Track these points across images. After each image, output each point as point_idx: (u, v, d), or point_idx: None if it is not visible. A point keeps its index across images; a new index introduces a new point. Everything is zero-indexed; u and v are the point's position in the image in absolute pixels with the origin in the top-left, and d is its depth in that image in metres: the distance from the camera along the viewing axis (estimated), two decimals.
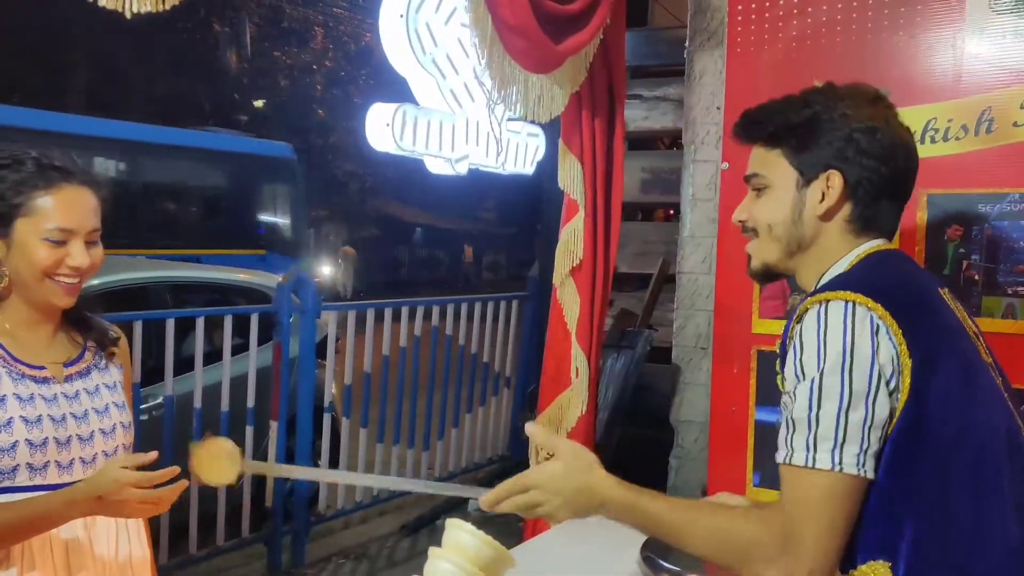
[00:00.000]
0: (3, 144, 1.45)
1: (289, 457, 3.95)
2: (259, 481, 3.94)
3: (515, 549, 1.88)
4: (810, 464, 1.11)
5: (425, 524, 4.54)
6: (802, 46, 2.71)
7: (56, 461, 1.45)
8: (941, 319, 1.21)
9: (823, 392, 1.11)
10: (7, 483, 1.40)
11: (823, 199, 1.26)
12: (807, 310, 1.16)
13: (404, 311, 4.60)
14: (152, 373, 3.57)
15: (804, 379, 1.13)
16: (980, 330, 1.32)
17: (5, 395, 1.41)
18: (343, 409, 4.26)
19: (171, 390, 3.48)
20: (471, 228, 24.12)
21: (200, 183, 11.67)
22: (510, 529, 4.36)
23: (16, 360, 1.45)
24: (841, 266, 1.27)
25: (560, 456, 1.24)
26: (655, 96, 3.65)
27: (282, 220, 12.48)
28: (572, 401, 2.55)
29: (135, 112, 12.89)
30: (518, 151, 3.44)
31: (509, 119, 3.14)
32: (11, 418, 1.41)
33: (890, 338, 1.12)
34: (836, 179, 1.25)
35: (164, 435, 3.43)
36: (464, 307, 4.79)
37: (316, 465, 4.23)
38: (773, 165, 1.30)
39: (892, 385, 1.12)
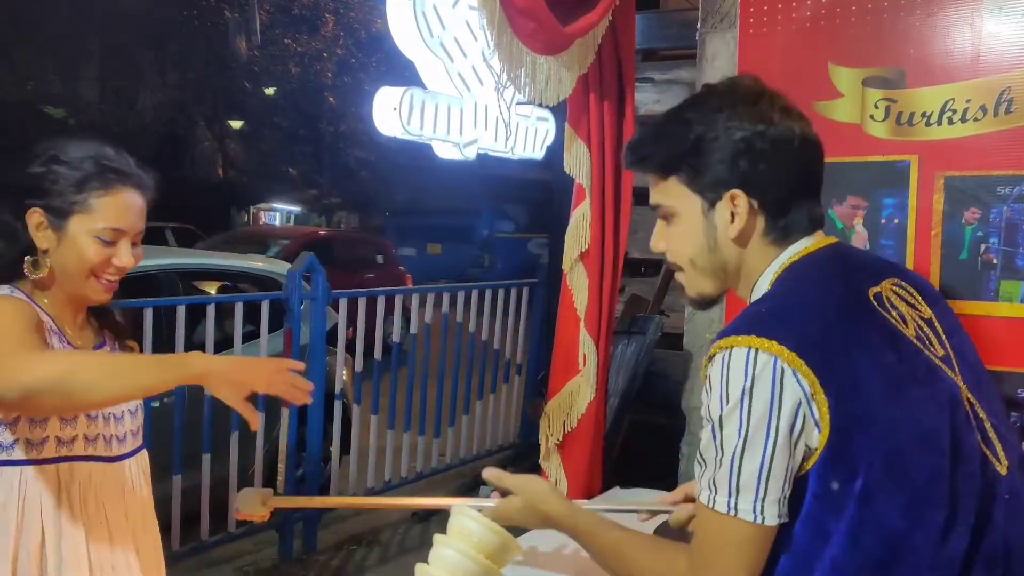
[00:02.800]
0: (63, 140, 1.49)
1: (300, 444, 3.95)
2: (271, 468, 3.95)
3: (525, 536, 1.87)
4: (710, 505, 1.10)
5: (436, 511, 4.54)
6: (816, 27, 2.66)
7: (84, 434, 1.47)
8: (865, 336, 1.14)
9: (723, 439, 1.09)
10: (33, 455, 1.41)
11: (733, 220, 1.21)
12: (714, 355, 1.13)
13: (414, 298, 4.58)
14: None
15: (709, 423, 1.12)
16: (931, 319, 1.23)
17: None
18: (354, 396, 4.25)
19: None
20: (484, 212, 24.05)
21: None
22: None
23: (68, 343, 1.49)
24: (765, 281, 1.22)
25: (517, 493, 1.35)
26: (666, 79, 3.60)
27: None
28: (581, 387, 2.52)
29: None
30: (527, 135, 3.40)
31: (518, 103, 3.11)
32: None
33: (797, 380, 1.07)
34: (741, 200, 1.20)
35: (175, 422, 3.43)
36: (475, 294, 4.77)
37: (328, 453, 4.23)
38: (674, 194, 1.25)
39: (799, 429, 1.08)
